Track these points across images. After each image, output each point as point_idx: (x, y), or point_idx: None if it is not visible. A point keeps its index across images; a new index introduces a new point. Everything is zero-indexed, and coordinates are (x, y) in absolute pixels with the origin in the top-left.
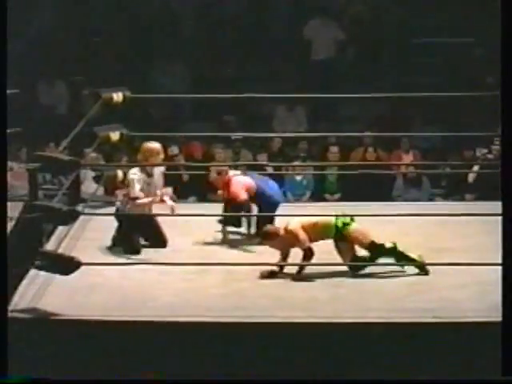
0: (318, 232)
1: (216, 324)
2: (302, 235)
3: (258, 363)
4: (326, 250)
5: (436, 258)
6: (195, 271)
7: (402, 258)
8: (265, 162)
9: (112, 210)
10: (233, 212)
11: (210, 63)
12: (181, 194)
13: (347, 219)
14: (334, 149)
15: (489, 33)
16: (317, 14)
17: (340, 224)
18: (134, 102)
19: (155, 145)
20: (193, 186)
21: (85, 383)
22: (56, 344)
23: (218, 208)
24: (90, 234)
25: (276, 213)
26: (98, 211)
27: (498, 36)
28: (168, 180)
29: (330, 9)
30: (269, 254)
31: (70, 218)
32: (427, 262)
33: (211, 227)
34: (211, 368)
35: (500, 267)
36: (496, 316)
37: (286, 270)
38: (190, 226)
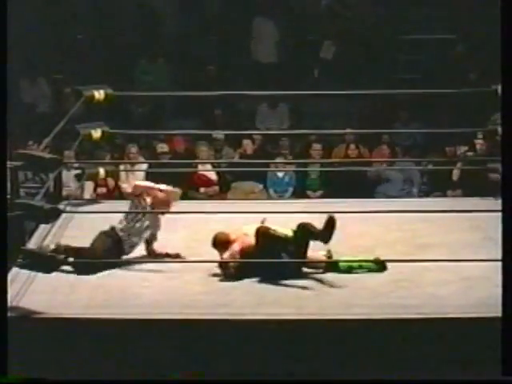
0: None
1: (200, 321)
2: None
3: (242, 360)
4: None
5: (420, 255)
6: (178, 269)
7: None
8: (248, 160)
9: (93, 207)
10: None
11: (192, 61)
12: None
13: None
14: (317, 146)
15: (471, 29)
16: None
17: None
18: (117, 99)
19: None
20: (174, 183)
21: (83, 383)
22: (38, 342)
23: (201, 205)
24: (72, 232)
25: None
26: (79, 209)
27: (481, 33)
28: (151, 177)
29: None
30: None
31: (51, 216)
32: (412, 258)
33: (194, 224)
34: (196, 366)
35: (483, 263)
36: (480, 312)
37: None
38: (174, 223)
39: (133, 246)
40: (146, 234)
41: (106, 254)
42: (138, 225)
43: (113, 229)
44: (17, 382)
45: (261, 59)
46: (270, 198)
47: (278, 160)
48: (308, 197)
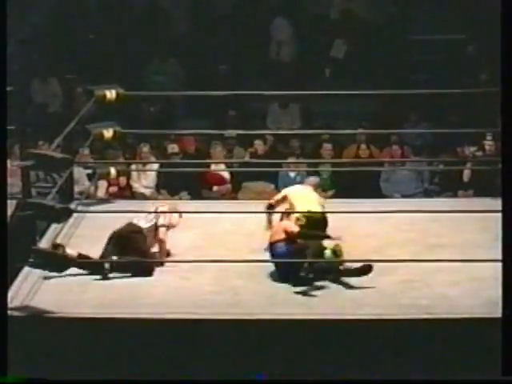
0: None
1: (210, 321)
2: None
3: (254, 360)
4: None
5: (431, 255)
6: (189, 268)
7: None
8: (260, 160)
9: (105, 207)
10: None
11: (204, 60)
12: (173, 190)
13: None
14: (327, 146)
15: (481, 29)
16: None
17: None
18: (128, 99)
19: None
20: (187, 182)
21: (83, 383)
22: (49, 342)
23: (213, 205)
24: (84, 231)
25: None
26: (91, 208)
27: (492, 33)
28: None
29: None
30: (262, 252)
31: (63, 215)
32: (422, 258)
33: (206, 224)
34: (205, 365)
35: (493, 264)
36: (490, 312)
37: None
38: (184, 224)
39: None
40: None
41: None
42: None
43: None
44: (17, 382)
45: (273, 59)
46: None
47: (289, 160)
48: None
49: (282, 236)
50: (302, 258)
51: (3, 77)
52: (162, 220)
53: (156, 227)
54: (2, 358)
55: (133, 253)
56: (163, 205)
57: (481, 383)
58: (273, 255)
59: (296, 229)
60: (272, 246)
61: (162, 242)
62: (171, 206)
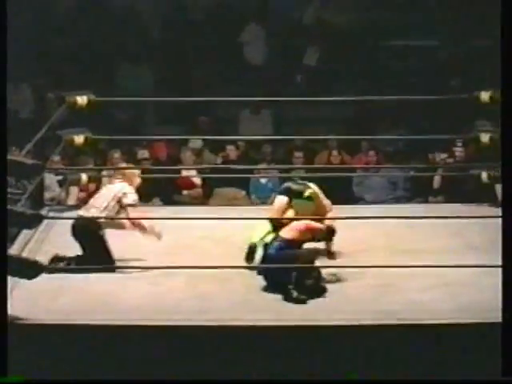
0: None
1: (182, 327)
2: None
3: (226, 366)
4: None
5: (403, 260)
6: (160, 275)
7: None
8: (231, 166)
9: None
10: None
11: (176, 66)
12: (145, 196)
13: None
14: (298, 153)
15: (453, 35)
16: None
17: None
18: (99, 105)
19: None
20: (158, 188)
21: (82, 383)
22: (19, 348)
23: (185, 211)
24: (54, 237)
25: None
26: (62, 215)
27: (465, 38)
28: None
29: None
30: (232, 256)
31: (33, 221)
32: (395, 264)
33: (177, 230)
34: (178, 371)
35: (466, 269)
36: (463, 318)
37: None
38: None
39: None
40: None
41: None
42: None
43: None
44: (17, 382)
45: (245, 65)
46: (252, 203)
47: (261, 166)
48: None
49: (308, 236)
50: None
51: (3, 77)
52: (127, 200)
53: (120, 208)
54: (2, 358)
55: (91, 245)
56: (119, 178)
57: (481, 383)
58: (272, 254)
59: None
60: (283, 243)
61: (137, 223)
62: (128, 177)
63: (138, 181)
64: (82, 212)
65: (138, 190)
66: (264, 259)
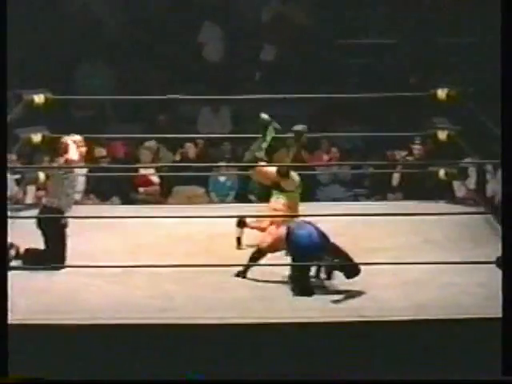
0: None
1: (143, 326)
2: None
3: (187, 364)
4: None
5: (365, 258)
6: (121, 273)
7: None
8: (190, 164)
9: (34, 212)
10: None
11: (134, 64)
12: (103, 195)
13: None
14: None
15: (411, 34)
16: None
17: None
18: (57, 103)
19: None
20: (116, 187)
21: (82, 383)
22: None
23: (141, 210)
24: (12, 237)
25: None
26: (19, 214)
27: (422, 37)
28: (91, 181)
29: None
30: (195, 256)
31: None
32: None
33: (137, 229)
34: (140, 370)
35: (424, 267)
36: (423, 314)
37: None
38: (116, 228)
39: None
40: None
41: None
42: None
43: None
44: (17, 382)
45: (203, 63)
46: (211, 201)
47: (220, 164)
48: (250, 201)
49: None
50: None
51: (3, 78)
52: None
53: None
54: (2, 358)
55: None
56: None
57: (481, 383)
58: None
59: None
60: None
61: None
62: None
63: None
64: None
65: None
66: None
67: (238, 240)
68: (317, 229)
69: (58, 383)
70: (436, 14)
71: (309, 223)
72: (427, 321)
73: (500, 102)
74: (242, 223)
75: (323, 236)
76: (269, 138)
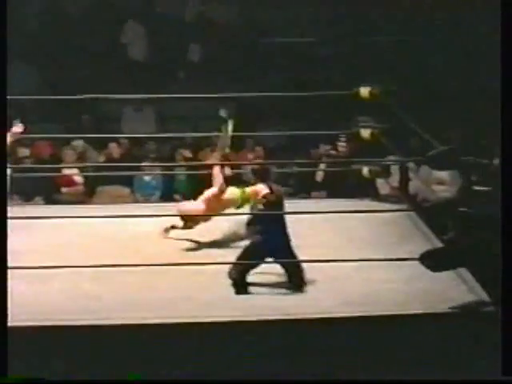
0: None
1: (64, 327)
2: None
3: (110, 365)
4: None
5: None
6: (42, 274)
7: None
8: (115, 164)
9: None
10: None
11: (56, 63)
12: (27, 195)
13: None
14: (184, 151)
15: (334, 32)
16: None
17: None
18: None
19: None
20: (40, 187)
21: (83, 383)
22: None
23: (66, 210)
24: None
25: None
26: None
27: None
28: (15, 181)
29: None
30: (119, 255)
31: None
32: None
33: (60, 229)
34: (58, 371)
35: (348, 264)
36: (348, 311)
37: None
38: (40, 228)
39: None
40: None
41: None
42: None
43: None
44: (17, 381)
45: (126, 62)
46: (136, 201)
47: (144, 164)
48: (175, 200)
49: None
50: None
51: (3, 78)
52: None
53: None
54: (2, 358)
55: None
56: None
57: (481, 383)
58: None
59: None
60: None
61: None
62: None
63: None
64: None
65: None
66: None
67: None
68: None
69: (59, 383)
70: (361, 11)
71: None
72: (354, 318)
73: (500, 101)
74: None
75: None
76: (229, 134)
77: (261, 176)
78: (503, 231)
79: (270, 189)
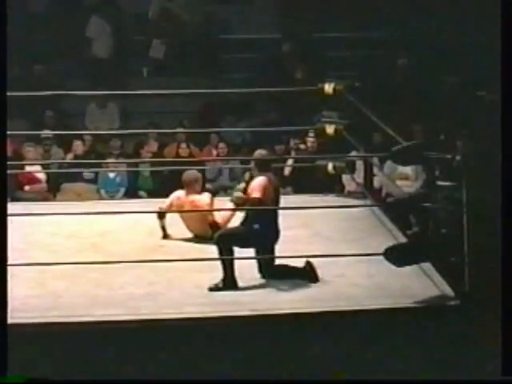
0: None
1: (31, 325)
2: None
3: (77, 363)
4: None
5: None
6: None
7: None
8: (79, 161)
9: None
10: None
11: (19, 60)
12: None
13: None
14: (151, 144)
15: (295, 29)
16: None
17: None
18: None
19: None
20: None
21: (83, 383)
22: None
23: (29, 207)
24: None
25: None
26: None
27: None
28: None
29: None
30: (83, 252)
31: None
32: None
33: (23, 227)
34: (25, 369)
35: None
36: (310, 307)
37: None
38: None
39: None
40: None
41: None
42: None
43: None
44: (16, 381)
45: (90, 58)
46: (101, 198)
47: (108, 160)
48: (140, 197)
49: None
50: None
51: (3, 78)
52: None
53: None
54: (2, 358)
55: None
56: None
57: (481, 383)
58: None
59: None
60: None
61: None
62: None
63: None
64: None
65: None
66: None
67: (163, 229)
68: None
69: (59, 383)
70: (325, 8)
71: None
72: (318, 313)
73: (500, 102)
74: (161, 214)
75: None
76: None
77: (264, 168)
78: (503, 231)
79: (269, 181)
